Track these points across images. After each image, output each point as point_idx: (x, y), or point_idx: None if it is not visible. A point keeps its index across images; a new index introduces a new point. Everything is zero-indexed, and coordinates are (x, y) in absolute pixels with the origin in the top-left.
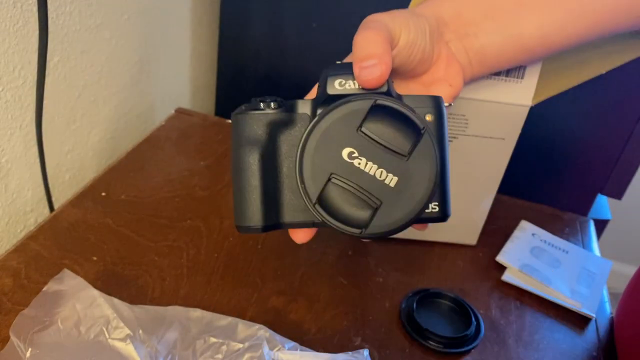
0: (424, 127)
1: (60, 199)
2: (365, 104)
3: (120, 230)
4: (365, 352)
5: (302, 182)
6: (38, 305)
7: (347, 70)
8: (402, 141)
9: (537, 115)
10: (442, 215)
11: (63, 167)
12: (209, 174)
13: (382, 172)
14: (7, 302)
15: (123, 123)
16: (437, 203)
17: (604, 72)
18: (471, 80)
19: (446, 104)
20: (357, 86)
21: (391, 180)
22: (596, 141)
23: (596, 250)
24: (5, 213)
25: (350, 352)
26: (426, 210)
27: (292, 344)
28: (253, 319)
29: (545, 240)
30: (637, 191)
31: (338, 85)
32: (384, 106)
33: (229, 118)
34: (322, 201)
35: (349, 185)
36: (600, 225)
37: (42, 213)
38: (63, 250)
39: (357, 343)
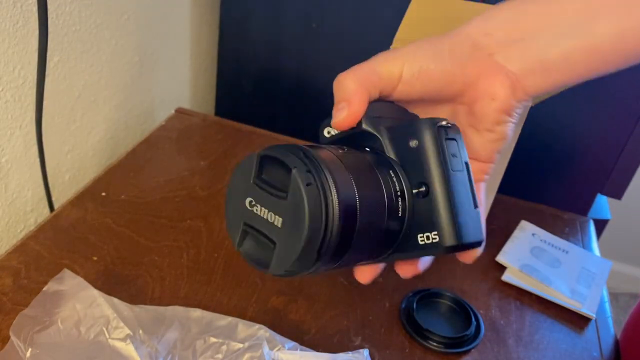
0: (293, 167)
1: (60, 199)
2: (254, 157)
3: (120, 230)
4: (365, 352)
5: (228, 230)
6: (38, 305)
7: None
8: (283, 185)
9: (537, 115)
10: (443, 245)
11: (63, 167)
12: (209, 174)
13: (271, 214)
14: (7, 302)
15: (123, 123)
16: (435, 232)
17: None
18: (540, 92)
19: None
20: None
21: (278, 221)
22: (596, 141)
23: (596, 250)
24: (5, 213)
25: (350, 352)
26: (420, 242)
27: (292, 344)
28: (253, 319)
29: (545, 240)
30: (637, 191)
31: (326, 134)
32: (267, 155)
33: (229, 118)
34: (242, 247)
35: (254, 231)
36: (600, 225)
37: (42, 213)
38: (63, 250)
39: (357, 343)
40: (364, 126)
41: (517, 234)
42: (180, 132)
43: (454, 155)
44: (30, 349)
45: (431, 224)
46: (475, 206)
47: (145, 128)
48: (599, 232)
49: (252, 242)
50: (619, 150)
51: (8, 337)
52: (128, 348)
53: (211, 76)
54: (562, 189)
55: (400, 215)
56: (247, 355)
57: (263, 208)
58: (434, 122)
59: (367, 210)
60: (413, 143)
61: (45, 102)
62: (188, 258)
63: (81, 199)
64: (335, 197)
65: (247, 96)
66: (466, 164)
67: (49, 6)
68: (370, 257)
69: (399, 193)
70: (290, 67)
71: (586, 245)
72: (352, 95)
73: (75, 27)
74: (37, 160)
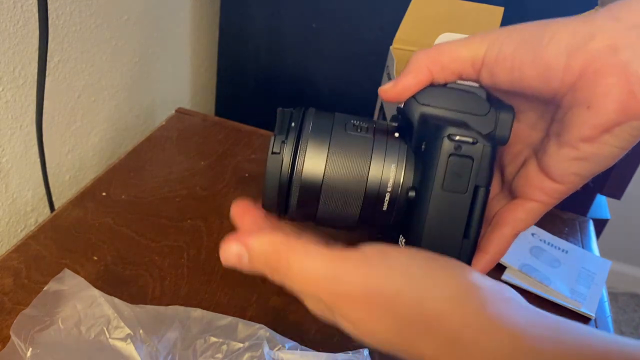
0: (274, 134)
1: (60, 199)
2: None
3: (120, 230)
4: (365, 352)
5: None
6: (39, 305)
7: None
8: None
9: None
10: None
11: (63, 167)
12: (209, 174)
13: None
14: (7, 302)
15: (123, 123)
16: (405, 241)
17: None
18: None
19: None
20: None
21: None
22: None
23: (595, 250)
24: (6, 213)
25: (350, 352)
26: (399, 242)
27: (292, 343)
28: (253, 319)
29: (544, 240)
30: (637, 191)
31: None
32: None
33: (229, 118)
34: None
35: None
36: (600, 225)
37: (43, 213)
38: (63, 250)
39: (357, 343)
40: (403, 106)
41: None
42: (180, 132)
43: (457, 175)
44: (30, 349)
45: (410, 231)
46: (465, 237)
47: (145, 128)
48: (598, 232)
49: None
50: None
51: (8, 337)
52: (128, 348)
53: (211, 76)
54: None
55: (385, 209)
56: (247, 355)
57: None
58: (449, 134)
59: (330, 190)
60: (423, 146)
61: (45, 102)
62: (188, 258)
63: (81, 199)
64: (300, 168)
65: (247, 96)
66: (477, 187)
67: (49, 6)
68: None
69: (389, 188)
70: (290, 67)
71: (586, 245)
72: (410, 70)
73: (75, 27)
74: (38, 160)
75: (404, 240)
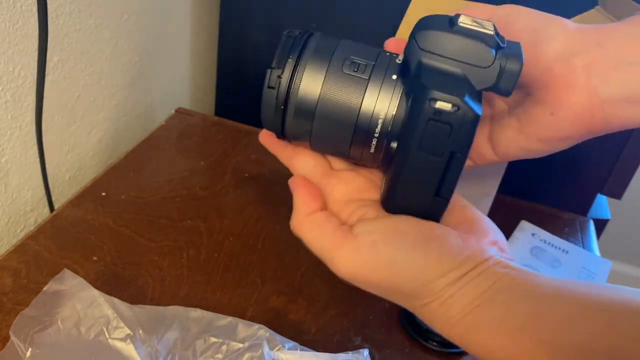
0: (270, 67)
1: (60, 199)
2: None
3: (120, 230)
4: (365, 352)
5: None
6: (38, 305)
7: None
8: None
9: None
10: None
11: (63, 167)
12: (209, 174)
13: None
14: (7, 302)
15: (123, 123)
16: (382, 187)
17: None
18: (629, 125)
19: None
20: None
21: None
22: (596, 141)
23: (596, 250)
24: (5, 213)
25: (350, 352)
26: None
27: (292, 344)
28: (253, 319)
29: (545, 240)
30: (637, 191)
31: None
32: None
33: (229, 118)
34: None
35: None
36: (600, 225)
37: (42, 213)
38: (63, 250)
39: (357, 343)
40: (403, 54)
41: (517, 234)
42: (180, 132)
43: (434, 138)
44: (30, 349)
45: (389, 181)
46: (438, 195)
47: (145, 128)
48: (598, 232)
49: None
50: (618, 150)
51: (8, 337)
52: (128, 348)
53: (211, 76)
54: (562, 189)
55: (372, 152)
56: (247, 355)
57: None
58: (431, 97)
59: (324, 115)
60: (409, 101)
61: (45, 102)
62: (188, 258)
63: (81, 199)
64: (297, 89)
65: (247, 96)
66: (452, 153)
67: (49, 6)
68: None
69: (376, 134)
70: None
71: (586, 245)
72: None
73: (75, 27)
74: (37, 160)
75: (383, 186)
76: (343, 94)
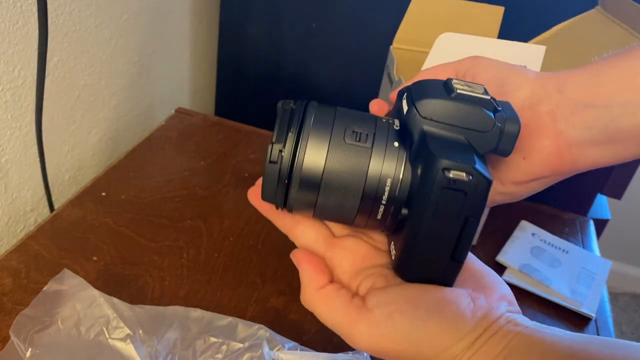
0: (271, 141)
1: (60, 199)
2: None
3: (120, 230)
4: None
5: None
6: (38, 305)
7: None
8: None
9: None
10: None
11: (63, 167)
12: (209, 174)
13: None
14: (7, 302)
15: (123, 123)
16: (394, 254)
17: None
18: (596, 165)
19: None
20: None
21: None
22: None
23: (596, 250)
24: (5, 213)
25: (350, 352)
26: (391, 250)
27: (292, 344)
28: (253, 319)
29: (545, 240)
30: (637, 191)
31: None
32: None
33: (229, 118)
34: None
35: None
36: (600, 225)
37: (42, 213)
38: (63, 250)
39: None
40: (405, 114)
41: (517, 234)
42: (180, 132)
43: (448, 206)
44: (30, 349)
45: (401, 246)
46: (453, 259)
47: (145, 128)
48: (598, 232)
49: None
50: None
51: (8, 337)
52: (128, 348)
53: (211, 76)
54: (562, 189)
55: (379, 218)
56: (247, 355)
57: None
58: (443, 167)
59: (329, 189)
60: (419, 169)
61: (45, 102)
62: (188, 258)
63: (81, 199)
64: (300, 164)
65: (247, 96)
66: (466, 218)
67: (49, 6)
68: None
69: (383, 201)
70: (290, 67)
71: (586, 245)
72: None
73: (75, 27)
74: (37, 160)
75: (394, 252)
76: (348, 164)
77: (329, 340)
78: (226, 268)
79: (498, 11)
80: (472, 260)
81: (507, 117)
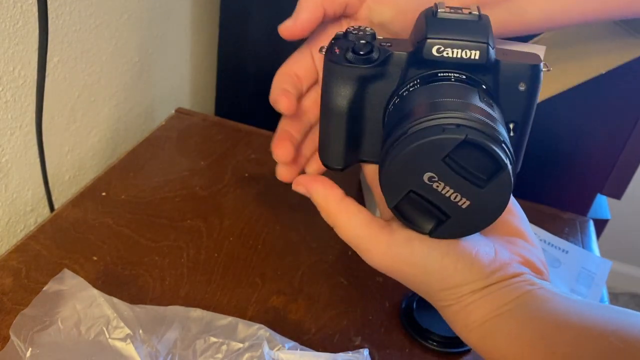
0: (505, 166)
1: (60, 199)
2: (454, 140)
3: (120, 230)
4: (365, 352)
5: (383, 188)
6: (38, 305)
7: (449, 34)
8: (481, 172)
9: (537, 115)
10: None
11: (63, 167)
12: (209, 174)
13: (457, 195)
14: (7, 302)
15: (123, 123)
16: None
17: (603, 71)
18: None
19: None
20: (455, 55)
21: (464, 203)
22: (596, 141)
23: (596, 250)
24: (5, 213)
25: (350, 352)
26: None
27: (292, 343)
28: (253, 319)
29: (544, 240)
30: (637, 191)
31: (435, 52)
32: (473, 142)
33: (229, 118)
34: (398, 207)
35: (422, 200)
36: (600, 225)
37: (43, 213)
38: (63, 250)
39: (357, 343)
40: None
41: None
42: (180, 132)
43: None
44: (30, 349)
45: None
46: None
47: (145, 128)
48: (598, 232)
49: (412, 206)
50: (618, 150)
51: (8, 337)
52: (128, 348)
53: (211, 76)
54: (561, 189)
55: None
56: (247, 355)
57: (447, 187)
58: (539, 69)
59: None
60: (522, 86)
61: (45, 102)
62: (188, 258)
63: (81, 199)
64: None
65: (247, 96)
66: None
67: (49, 6)
68: None
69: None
70: None
71: (586, 245)
72: (304, 7)
73: (75, 27)
74: (37, 160)
75: None
76: None
77: (329, 340)
78: (226, 268)
79: None
80: (515, 219)
81: None
